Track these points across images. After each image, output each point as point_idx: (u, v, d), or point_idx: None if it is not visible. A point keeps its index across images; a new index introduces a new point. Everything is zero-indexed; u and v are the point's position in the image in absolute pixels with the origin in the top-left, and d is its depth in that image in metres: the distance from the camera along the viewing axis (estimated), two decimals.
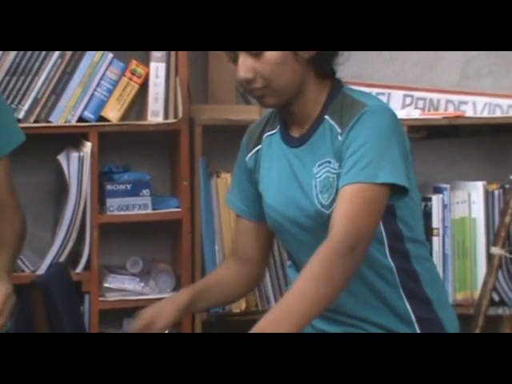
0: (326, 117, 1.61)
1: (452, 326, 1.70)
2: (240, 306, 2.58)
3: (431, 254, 2.63)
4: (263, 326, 1.43)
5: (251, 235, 1.77)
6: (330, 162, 1.60)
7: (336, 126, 1.59)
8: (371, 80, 2.82)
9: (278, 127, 1.68)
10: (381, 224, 1.60)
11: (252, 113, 2.65)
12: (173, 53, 2.54)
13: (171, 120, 2.54)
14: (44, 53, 2.47)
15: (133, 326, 1.71)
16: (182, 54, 2.53)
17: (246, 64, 1.57)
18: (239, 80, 1.59)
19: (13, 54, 2.45)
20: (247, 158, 1.73)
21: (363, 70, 2.82)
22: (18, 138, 1.77)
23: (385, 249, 1.63)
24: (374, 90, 2.70)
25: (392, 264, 1.64)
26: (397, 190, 1.56)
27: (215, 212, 2.56)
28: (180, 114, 2.53)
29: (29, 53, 2.46)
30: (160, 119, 2.53)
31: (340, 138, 1.58)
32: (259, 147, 1.71)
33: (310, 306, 1.45)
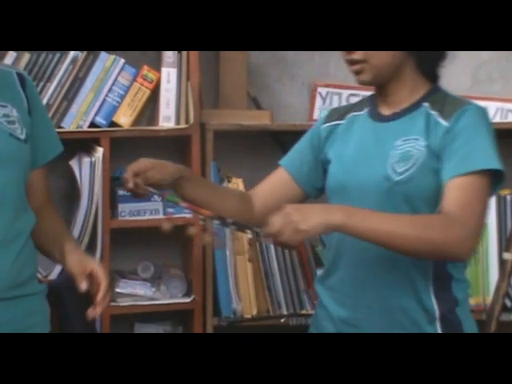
0: (425, 104, 1.72)
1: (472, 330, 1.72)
2: (251, 312, 2.57)
3: None
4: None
5: (280, 188, 1.85)
6: (417, 139, 1.69)
7: (436, 115, 1.69)
8: None
9: (367, 110, 1.80)
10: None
11: (263, 118, 2.65)
12: (184, 58, 2.54)
13: (182, 125, 2.54)
14: (56, 58, 2.48)
15: (131, 166, 1.73)
16: (194, 59, 2.54)
17: None
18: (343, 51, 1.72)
19: (25, 60, 2.46)
20: (323, 126, 1.84)
21: None
22: (58, 149, 1.86)
23: None
24: None
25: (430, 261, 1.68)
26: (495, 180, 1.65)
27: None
28: (191, 119, 2.54)
29: (41, 59, 2.47)
30: (171, 124, 2.54)
31: (445, 123, 1.67)
32: (339, 122, 1.82)
33: (390, 232, 1.54)
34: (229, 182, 2.58)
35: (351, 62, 1.70)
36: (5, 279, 1.65)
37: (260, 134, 2.70)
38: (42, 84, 2.47)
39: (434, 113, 1.70)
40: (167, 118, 2.54)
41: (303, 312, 2.60)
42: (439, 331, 1.67)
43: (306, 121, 2.79)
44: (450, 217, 1.58)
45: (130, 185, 1.72)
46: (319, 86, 2.82)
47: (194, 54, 2.54)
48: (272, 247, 2.61)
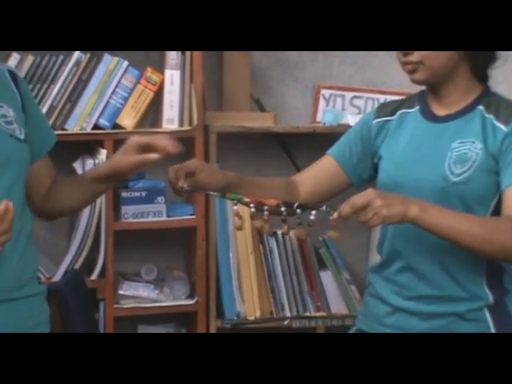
0: (480, 107, 1.75)
1: None
2: (255, 314, 2.57)
3: None
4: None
5: (328, 176, 1.90)
6: (473, 142, 1.73)
7: (492, 118, 1.73)
8: (386, 87, 2.81)
9: (418, 107, 1.83)
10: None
11: (266, 120, 2.65)
12: (187, 60, 2.54)
13: (186, 127, 2.54)
14: (60, 61, 2.49)
15: (182, 167, 1.75)
16: (197, 62, 2.54)
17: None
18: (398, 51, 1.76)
19: (29, 62, 2.46)
20: (374, 121, 1.87)
21: (378, 77, 2.82)
22: (52, 139, 1.85)
23: None
24: (388, 98, 2.70)
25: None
26: None
27: (229, 219, 2.56)
28: (195, 122, 2.54)
29: (44, 61, 2.48)
30: (175, 126, 2.54)
31: (503, 127, 1.71)
32: (390, 118, 1.86)
33: (461, 229, 1.61)
34: None
35: (407, 63, 1.74)
36: (10, 279, 1.65)
37: (263, 135, 2.70)
38: (45, 86, 2.47)
39: (489, 116, 1.74)
40: (171, 120, 2.54)
41: (306, 314, 2.60)
42: (489, 319, 1.73)
43: (310, 123, 2.79)
44: None
45: (181, 184, 1.73)
46: (323, 87, 2.82)
47: (197, 56, 2.54)
48: (275, 249, 2.61)
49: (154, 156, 1.73)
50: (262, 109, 2.75)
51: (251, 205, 1.68)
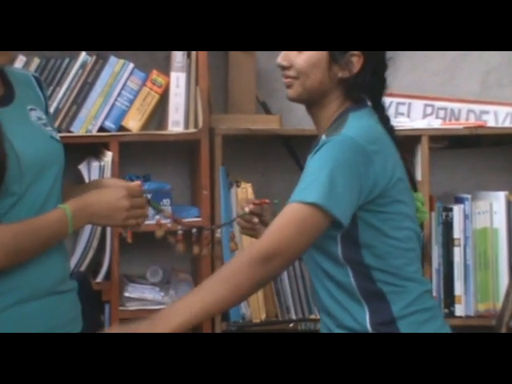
0: (323, 136, 1.71)
1: None
2: (260, 316, 2.57)
3: (452, 265, 2.62)
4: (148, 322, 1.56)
5: None
6: None
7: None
8: (391, 90, 2.80)
9: None
10: (339, 246, 1.67)
11: (272, 122, 2.65)
12: (193, 62, 2.55)
13: (191, 130, 2.54)
14: (65, 63, 2.49)
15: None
16: (203, 64, 2.54)
17: (287, 53, 1.76)
18: (277, 63, 1.78)
19: (35, 64, 2.47)
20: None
21: None
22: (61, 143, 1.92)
23: (345, 270, 1.69)
24: (394, 100, 2.70)
25: (353, 282, 1.69)
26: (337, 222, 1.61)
27: (235, 221, 2.56)
28: (200, 124, 2.54)
29: (50, 63, 2.48)
30: (180, 129, 2.54)
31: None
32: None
33: (209, 305, 1.56)
34: (238, 186, 2.58)
35: (284, 76, 1.77)
36: (58, 273, 1.74)
37: (269, 138, 2.70)
38: (51, 88, 2.47)
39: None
40: (176, 123, 2.54)
41: (312, 317, 2.60)
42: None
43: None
44: (257, 246, 1.60)
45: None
46: None
47: (202, 59, 2.54)
48: None
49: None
50: (267, 111, 2.75)
51: (168, 220, 1.83)
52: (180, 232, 1.84)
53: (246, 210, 1.81)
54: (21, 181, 1.66)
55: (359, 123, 1.69)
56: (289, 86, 1.76)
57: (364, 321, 1.68)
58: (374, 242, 1.67)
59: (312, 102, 1.75)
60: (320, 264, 1.70)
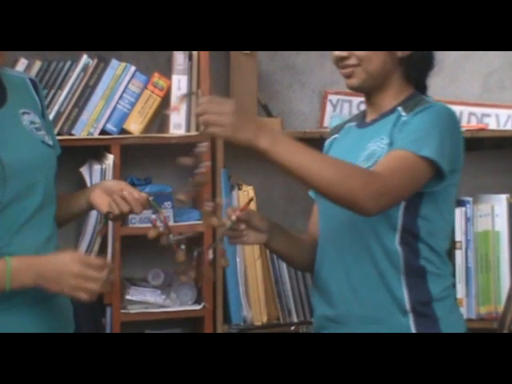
0: (399, 108, 1.78)
1: (451, 327, 1.74)
2: (261, 319, 2.57)
3: (453, 268, 2.62)
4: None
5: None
6: (382, 138, 1.76)
7: (404, 114, 1.76)
8: None
9: (359, 119, 1.91)
10: (400, 212, 1.71)
11: (273, 125, 2.65)
12: (194, 65, 2.55)
13: (193, 132, 2.54)
14: (67, 66, 2.49)
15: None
16: (204, 67, 2.54)
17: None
18: (334, 57, 1.79)
19: (36, 67, 2.47)
20: (326, 143, 1.97)
21: None
22: (59, 146, 1.91)
23: (395, 237, 1.72)
24: None
25: (400, 250, 1.72)
26: (437, 175, 1.68)
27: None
28: (202, 127, 2.53)
29: (52, 66, 2.48)
30: (182, 132, 2.54)
31: (404, 118, 1.74)
32: (336, 136, 1.95)
33: (311, 167, 1.57)
34: (239, 189, 2.58)
35: (344, 67, 1.78)
36: None
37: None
38: (53, 91, 2.48)
39: (403, 114, 1.76)
40: (178, 125, 2.54)
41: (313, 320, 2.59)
42: (411, 324, 1.71)
43: (317, 128, 2.79)
44: (375, 173, 1.63)
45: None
46: (330, 93, 2.82)
47: (204, 62, 2.54)
48: None
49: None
50: (269, 114, 2.75)
51: (161, 223, 1.83)
52: (175, 238, 1.83)
53: (233, 218, 1.79)
54: (4, 187, 1.62)
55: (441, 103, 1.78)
56: (349, 76, 1.78)
57: (402, 296, 1.71)
58: (432, 217, 1.73)
59: (374, 87, 1.79)
60: (373, 223, 1.70)
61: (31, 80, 1.84)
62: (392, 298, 1.72)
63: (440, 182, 1.70)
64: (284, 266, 2.60)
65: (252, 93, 2.68)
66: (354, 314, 1.75)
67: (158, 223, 1.86)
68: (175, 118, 2.54)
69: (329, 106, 2.82)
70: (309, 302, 2.60)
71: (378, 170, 1.63)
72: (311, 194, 1.96)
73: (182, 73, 2.54)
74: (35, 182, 1.69)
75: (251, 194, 2.57)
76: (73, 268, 1.60)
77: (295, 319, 2.59)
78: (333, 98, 2.82)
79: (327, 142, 1.97)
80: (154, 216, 1.88)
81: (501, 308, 2.58)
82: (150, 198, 1.86)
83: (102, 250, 2.50)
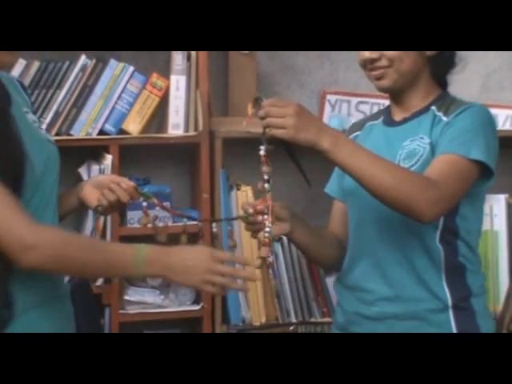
0: (433, 107, 1.81)
1: (486, 322, 1.79)
2: (260, 320, 2.57)
3: None
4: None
5: (342, 216, 1.95)
6: (422, 138, 1.77)
7: (440, 114, 1.78)
8: None
9: (382, 118, 1.92)
10: None
11: None
12: (193, 65, 2.55)
13: (191, 133, 2.54)
14: (65, 66, 2.49)
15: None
16: (203, 67, 2.54)
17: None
18: (363, 59, 1.81)
19: (35, 67, 2.47)
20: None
21: None
22: None
23: (435, 235, 1.75)
24: None
25: (440, 248, 1.75)
26: (484, 174, 1.73)
27: (235, 224, 2.56)
28: (200, 127, 2.54)
29: (50, 66, 2.48)
30: (180, 132, 2.54)
31: (445, 119, 1.76)
32: (358, 133, 1.96)
33: (369, 169, 1.59)
34: (238, 189, 2.58)
35: (374, 69, 1.79)
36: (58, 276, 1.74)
37: (269, 141, 2.69)
38: (51, 91, 2.48)
39: (439, 114, 1.78)
40: (176, 126, 2.54)
41: (312, 320, 2.60)
42: (452, 320, 1.74)
43: None
44: (431, 180, 1.64)
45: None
46: (328, 93, 2.82)
47: (203, 62, 2.54)
48: (281, 254, 2.61)
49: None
50: None
51: (156, 207, 1.83)
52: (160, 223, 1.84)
53: (250, 211, 1.79)
54: (37, 191, 1.63)
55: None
56: (380, 78, 1.79)
57: (443, 292, 1.73)
58: (469, 216, 1.76)
59: (404, 87, 1.80)
60: (413, 222, 1.69)
61: (18, 81, 1.84)
62: (431, 294, 1.74)
63: (487, 181, 1.75)
64: (283, 266, 2.60)
65: (251, 93, 2.67)
66: (391, 311, 1.78)
67: (150, 210, 1.86)
68: (174, 118, 2.54)
69: (327, 106, 2.82)
70: (307, 302, 2.60)
71: (433, 177, 1.65)
72: (331, 192, 1.98)
73: (180, 73, 2.54)
74: (45, 184, 1.69)
75: (250, 194, 2.57)
76: (206, 264, 1.66)
77: (294, 319, 2.59)
78: (331, 97, 2.82)
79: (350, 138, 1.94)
80: (144, 204, 1.88)
81: (499, 308, 2.58)
82: (139, 188, 1.86)
83: None
